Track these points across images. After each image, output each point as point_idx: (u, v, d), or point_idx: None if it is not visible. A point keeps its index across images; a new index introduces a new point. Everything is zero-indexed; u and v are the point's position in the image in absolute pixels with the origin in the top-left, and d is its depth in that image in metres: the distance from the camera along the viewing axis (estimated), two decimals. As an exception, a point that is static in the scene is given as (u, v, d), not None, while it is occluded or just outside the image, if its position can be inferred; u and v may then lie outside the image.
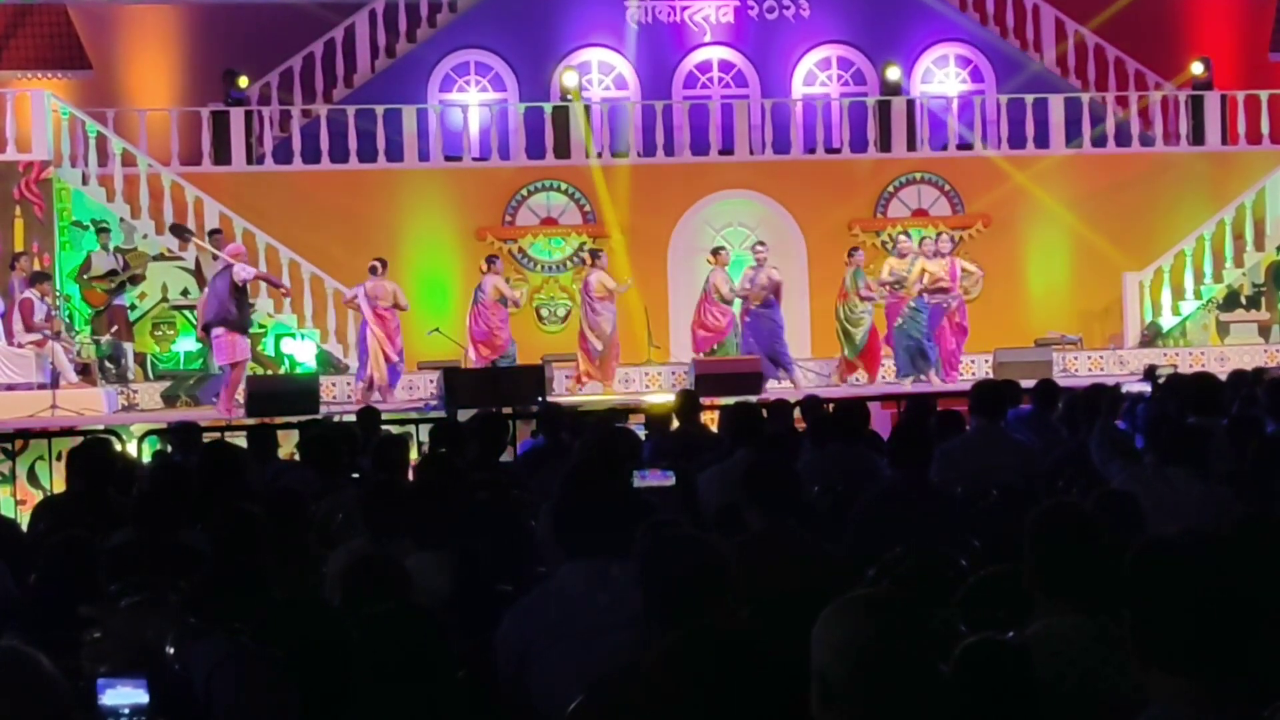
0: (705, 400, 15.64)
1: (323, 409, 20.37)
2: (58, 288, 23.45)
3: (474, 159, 26.70)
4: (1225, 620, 3.35)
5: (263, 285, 24.24)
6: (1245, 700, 3.37)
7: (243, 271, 20.81)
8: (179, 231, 23.85)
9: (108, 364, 23.31)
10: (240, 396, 21.09)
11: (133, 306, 24.09)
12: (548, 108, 26.88)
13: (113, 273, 23.64)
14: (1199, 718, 3.33)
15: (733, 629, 3.41)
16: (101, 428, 17.66)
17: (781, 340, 23.18)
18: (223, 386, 21.13)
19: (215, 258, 21.62)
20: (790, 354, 23.37)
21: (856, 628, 3.66)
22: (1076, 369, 25.05)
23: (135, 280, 23.95)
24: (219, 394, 22.11)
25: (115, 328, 23.39)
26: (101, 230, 24.05)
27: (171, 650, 5.10)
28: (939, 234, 24.59)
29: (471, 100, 28.00)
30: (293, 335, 24.71)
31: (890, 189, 27.14)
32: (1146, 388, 13.42)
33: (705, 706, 3.33)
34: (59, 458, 17.08)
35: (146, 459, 15.12)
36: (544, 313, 26.44)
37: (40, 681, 4.16)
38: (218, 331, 20.78)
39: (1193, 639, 3.35)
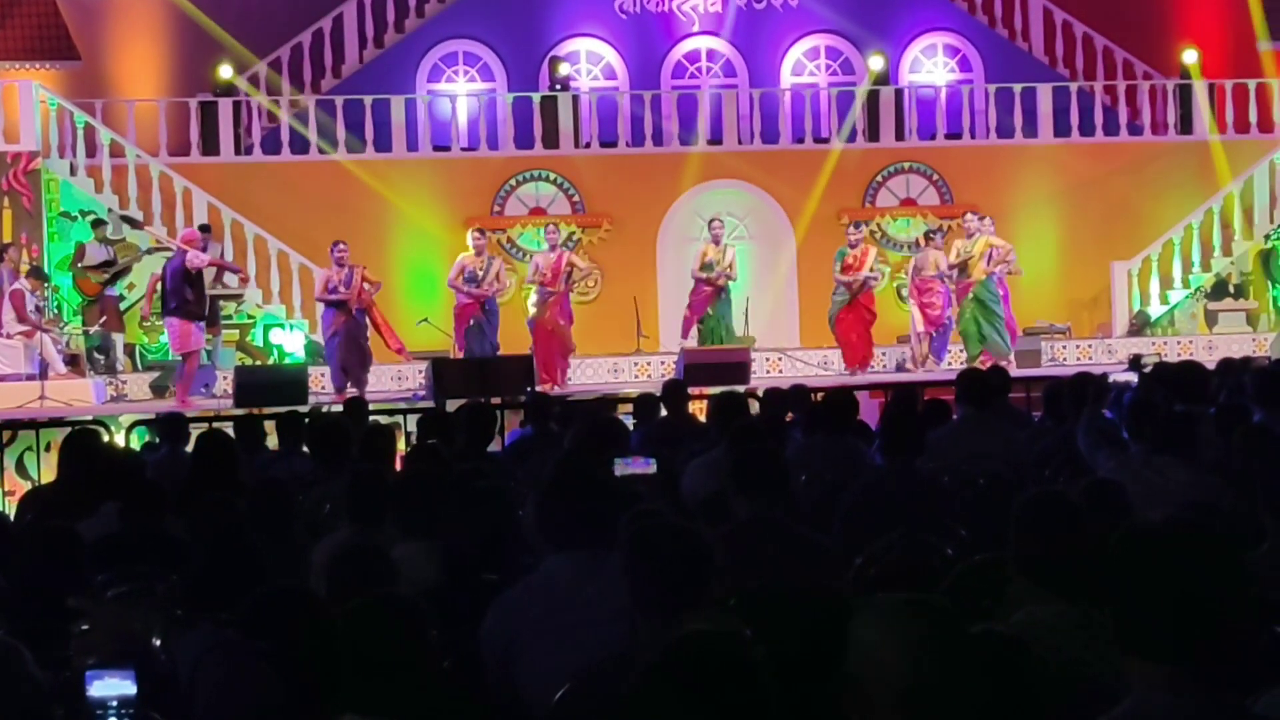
0: (693, 390, 15.64)
1: (311, 399, 20.35)
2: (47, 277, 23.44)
3: (462, 149, 26.69)
4: (1205, 607, 3.36)
5: (253, 271, 24.29)
6: (1225, 687, 3.39)
7: (196, 259, 20.78)
8: (129, 221, 23.90)
9: (96, 355, 23.29)
10: (229, 386, 21.09)
11: (121, 297, 24.07)
12: (536, 98, 26.86)
13: (107, 263, 23.63)
14: (1179, 705, 3.35)
15: (720, 634, 3.41)
16: (90, 418, 17.64)
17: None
18: (176, 378, 21.15)
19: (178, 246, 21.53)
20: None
21: (899, 633, 3.63)
22: (1065, 358, 25.07)
23: (127, 272, 23.94)
24: (207, 384, 22.13)
25: (104, 318, 23.38)
26: (98, 223, 24.06)
27: (159, 642, 5.10)
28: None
29: (460, 90, 27.99)
30: (281, 325, 24.71)
31: (879, 178, 27.14)
32: (1133, 377, 13.43)
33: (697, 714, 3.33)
34: (47, 448, 17.08)
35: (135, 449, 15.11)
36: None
37: (21, 673, 4.17)
38: (171, 321, 20.78)
39: (1172, 626, 3.36)
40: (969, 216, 24.04)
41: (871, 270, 23.22)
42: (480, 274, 22.12)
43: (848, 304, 23.19)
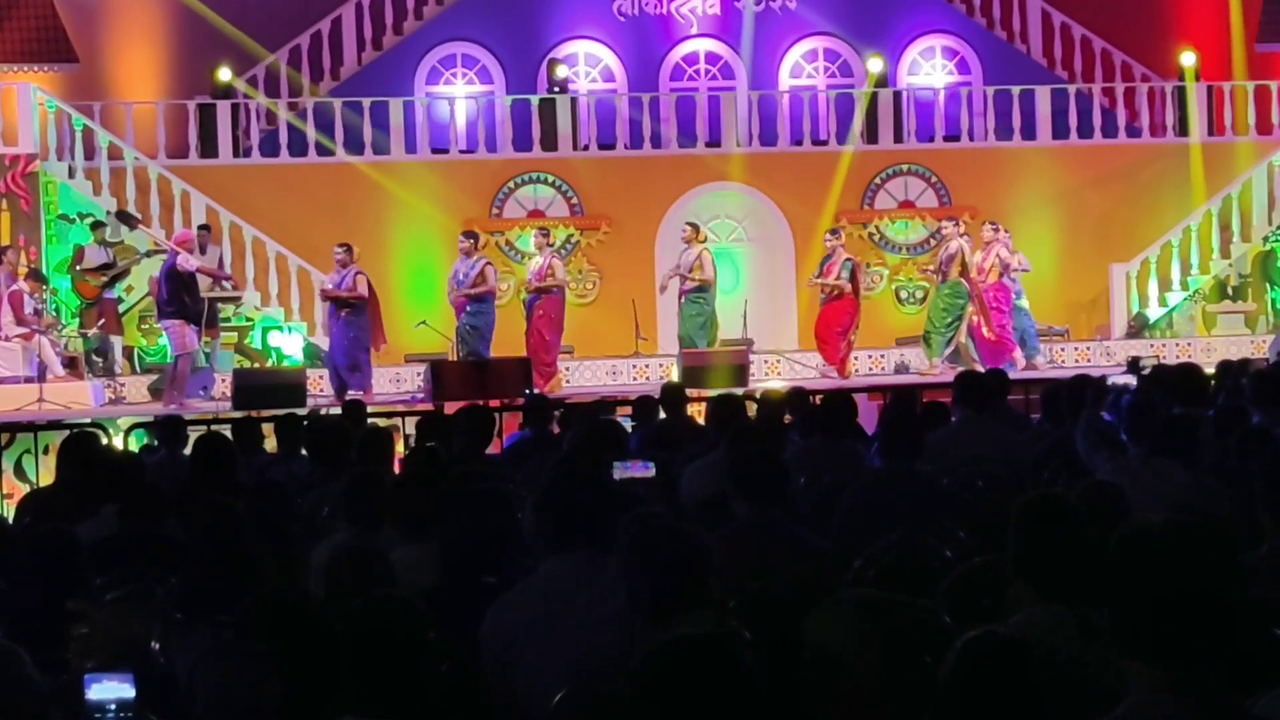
0: (691, 392, 15.65)
1: (309, 402, 20.36)
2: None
3: (461, 151, 26.68)
4: (1203, 609, 3.36)
5: (248, 278, 24.28)
6: (1223, 690, 3.39)
7: (186, 262, 20.82)
8: (125, 218, 23.89)
9: (95, 357, 23.29)
10: (228, 389, 21.09)
11: (120, 300, 24.07)
12: (535, 100, 26.86)
13: (105, 266, 23.63)
14: (1177, 707, 3.35)
15: (707, 636, 3.43)
16: (88, 421, 17.65)
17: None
18: (168, 380, 21.18)
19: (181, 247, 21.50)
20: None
21: (845, 630, 3.68)
22: (1063, 360, 25.07)
23: (126, 274, 23.93)
24: (205, 387, 22.11)
25: (103, 321, 23.37)
26: (98, 225, 24.05)
27: (157, 645, 5.10)
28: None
29: (458, 93, 27.98)
30: (280, 328, 24.70)
31: (877, 181, 27.14)
32: (1131, 380, 13.45)
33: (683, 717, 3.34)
34: (45, 451, 17.08)
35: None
36: (532, 305, 26.39)
37: (20, 676, 4.16)
38: (167, 324, 20.83)
39: (1171, 628, 3.36)
40: (945, 223, 23.95)
41: (838, 278, 22.85)
42: (463, 278, 22.13)
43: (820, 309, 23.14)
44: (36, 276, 22.70)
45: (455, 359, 22.04)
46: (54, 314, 23.12)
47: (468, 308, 22.06)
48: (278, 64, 27.22)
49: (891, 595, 3.98)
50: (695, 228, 23.16)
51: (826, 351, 23.03)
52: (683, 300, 22.81)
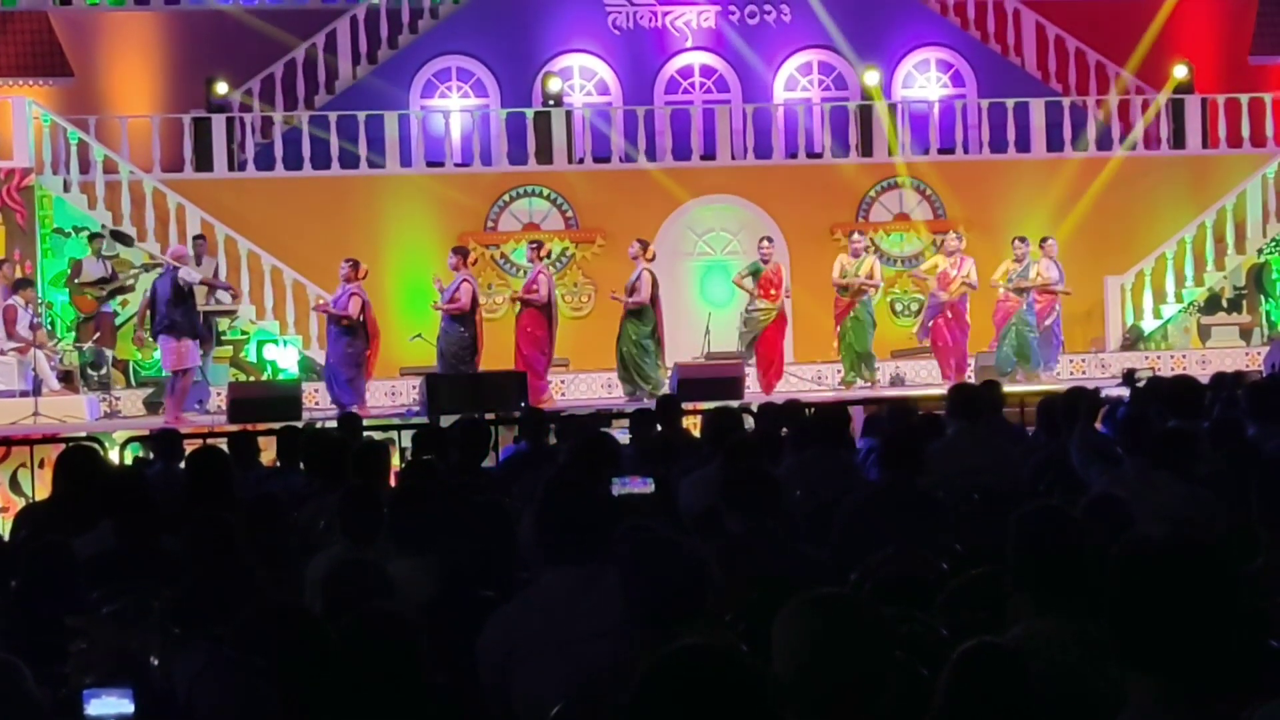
0: (687, 405, 15.65)
1: (305, 415, 20.34)
2: (40, 295, 23.38)
3: (456, 165, 26.68)
4: (1201, 622, 3.37)
5: (243, 291, 24.28)
6: (1221, 701, 3.40)
7: (188, 275, 20.79)
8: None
9: (90, 371, 23.27)
10: (224, 402, 21.08)
11: (116, 313, 24.05)
12: (530, 113, 26.87)
13: (103, 280, 23.62)
14: (1175, 718, 3.35)
15: (711, 647, 3.45)
16: (84, 435, 17.64)
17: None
18: (168, 394, 21.09)
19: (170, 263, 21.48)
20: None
21: (804, 627, 3.72)
22: (1058, 372, 25.07)
23: (125, 289, 23.91)
24: (201, 400, 22.09)
25: (98, 334, 23.35)
26: (95, 237, 24.03)
27: (156, 660, 5.11)
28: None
29: (453, 106, 27.99)
30: (275, 342, 24.69)
31: (872, 193, 27.16)
32: (1125, 392, 13.45)
33: None
34: (41, 465, 17.09)
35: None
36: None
37: (20, 690, 4.17)
38: (164, 339, 20.77)
39: (1169, 640, 3.37)
40: (855, 236, 24.05)
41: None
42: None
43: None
44: (24, 284, 22.60)
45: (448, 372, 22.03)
46: (49, 326, 23.11)
47: (443, 321, 22.07)
48: (273, 78, 27.22)
49: (853, 594, 4.01)
50: (644, 244, 23.14)
51: (771, 375, 23.13)
52: (626, 318, 22.77)
